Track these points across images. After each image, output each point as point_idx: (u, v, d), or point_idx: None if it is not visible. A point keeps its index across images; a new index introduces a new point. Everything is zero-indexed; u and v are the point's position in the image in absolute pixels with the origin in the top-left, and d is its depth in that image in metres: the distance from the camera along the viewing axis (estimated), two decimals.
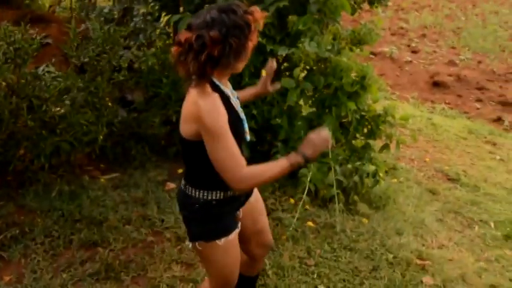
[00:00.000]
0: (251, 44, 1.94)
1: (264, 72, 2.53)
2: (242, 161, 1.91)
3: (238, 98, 2.16)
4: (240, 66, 2.00)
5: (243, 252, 2.46)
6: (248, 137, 2.14)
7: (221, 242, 2.11)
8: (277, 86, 2.62)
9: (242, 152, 1.96)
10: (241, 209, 2.29)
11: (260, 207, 2.45)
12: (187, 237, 2.21)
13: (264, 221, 2.49)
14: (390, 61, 11.20)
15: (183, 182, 2.17)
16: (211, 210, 2.11)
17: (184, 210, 2.20)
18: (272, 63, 2.54)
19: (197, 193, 2.09)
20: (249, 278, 2.66)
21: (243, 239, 2.34)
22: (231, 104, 2.02)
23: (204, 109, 1.87)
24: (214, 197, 2.09)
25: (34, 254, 3.12)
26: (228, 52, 1.86)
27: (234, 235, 2.16)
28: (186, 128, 1.97)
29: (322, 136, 2.02)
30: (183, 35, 1.87)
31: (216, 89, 1.96)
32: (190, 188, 2.11)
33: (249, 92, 2.60)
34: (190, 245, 2.19)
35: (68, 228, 3.40)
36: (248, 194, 2.32)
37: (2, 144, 3.43)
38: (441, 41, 13.54)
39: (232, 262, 2.22)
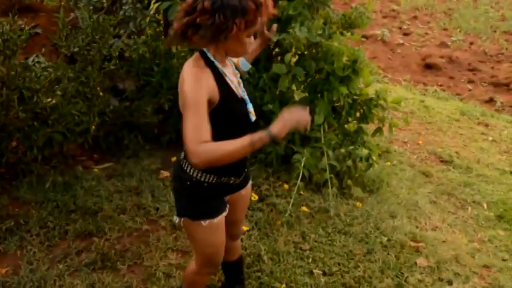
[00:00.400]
0: (239, 34, 1.88)
1: None
2: (203, 136, 1.80)
3: (241, 78, 2.14)
4: (231, 48, 1.97)
5: None
6: (253, 118, 2.11)
7: (206, 223, 2.13)
8: (274, 28, 2.55)
9: (246, 132, 1.87)
10: (229, 196, 2.30)
11: (245, 202, 2.47)
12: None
13: (242, 215, 2.53)
14: (382, 44, 11.19)
15: (182, 154, 2.17)
16: (200, 191, 2.12)
17: (175, 182, 2.22)
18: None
19: (192, 171, 2.10)
20: (230, 262, 2.70)
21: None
22: (225, 82, 2.00)
23: (186, 78, 1.89)
24: (206, 179, 2.11)
25: (30, 246, 3.12)
26: (209, 25, 1.83)
27: (220, 218, 2.19)
28: (180, 102, 1.95)
29: (295, 114, 1.92)
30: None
31: (210, 64, 1.96)
32: (186, 163, 2.11)
33: (252, 48, 2.45)
34: (177, 220, 2.21)
35: (63, 219, 3.40)
36: (242, 183, 2.33)
37: None
38: (433, 22, 13.53)
39: (216, 243, 2.24)
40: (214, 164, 1.83)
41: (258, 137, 1.84)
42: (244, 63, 2.33)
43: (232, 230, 2.47)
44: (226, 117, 1.99)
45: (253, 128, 2.01)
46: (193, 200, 2.14)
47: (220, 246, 2.28)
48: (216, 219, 2.16)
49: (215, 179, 2.12)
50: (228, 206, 2.26)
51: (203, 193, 2.13)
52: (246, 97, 2.10)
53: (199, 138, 1.79)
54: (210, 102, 1.90)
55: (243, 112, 2.08)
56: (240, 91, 2.08)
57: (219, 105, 1.94)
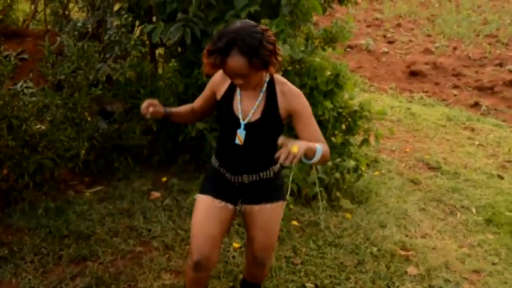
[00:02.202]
0: (207, 67, 2.13)
1: None
2: (194, 103, 2.55)
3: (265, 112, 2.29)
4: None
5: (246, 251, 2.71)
6: (237, 141, 2.30)
7: (197, 196, 2.49)
8: None
9: (230, 148, 2.34)
10: (243, 205, 2.47)
11: (260, 221, 2.46)
12: None
13: (259, 234, 2.50)
14: (367, 53, 11.31)
15: None
16: (208, 169, 2.56)
17: None
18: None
19: (214, 151, 2.55)
20: (246, 282, 2.85)
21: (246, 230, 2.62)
22: (232, 96, 2.33)
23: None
24: (212, 162, 2.50)
25: (25, 273, 3.13)
26: None
27: (204, 198, 2.44)
28: None
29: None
30: None
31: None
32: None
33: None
34: None
35: (57, 245, 3.42)
36: (250, 195, 2.44)
37: None
38: (416, 29, 13.69)
39: (196, 223, 2.41)
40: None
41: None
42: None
43: (250, 247, 2.59)
44: (219, 117, 2.41)
45: (238, 149, 2.31)
46: (205, 176, 2.61)
47: (197, 228, 2.40)
48: (201, 196, 2.46)
49: (217, 164, 2.45)
50: (240, 212, 2.49)
51: (209, 172, 2.55)
52: (242, 122, 2.28)
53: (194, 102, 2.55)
54: (215, 94, 2.39)
55: (230, 128, 2.31)
56: (239, 113, 2.28)
57: (217, 104, 2.40)
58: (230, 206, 2.43)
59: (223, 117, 2.35)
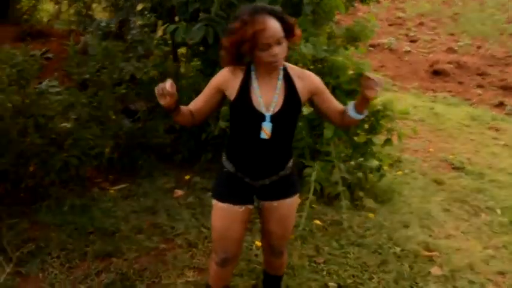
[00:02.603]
0: (229, 46, 2.17)
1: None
2: (191, 105, 2.33)
3: (286, 100, 2.27)
4: (257, 59, 2.19)
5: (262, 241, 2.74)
6: (263, 135, 2.24)
7: (214, 202, 2.41)
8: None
9: (255, 145, 2.26)
10: (261, 202, 2.46)
11: (279, 216, 2.49)
12: None
13: (277, 229, 2.55)
14: (389, 52, 11.24)
15: None
16: (222, 174, 2.42)
17: None
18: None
19: (224, 156, 2.42)
20: (267, 275, 2.89)
21: (261, 231, 2.66)
22: (248, 89, 2.24)
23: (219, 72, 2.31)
24: (226, 166, 2.39)
25: (51, 268, 3.19)
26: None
27: (225, 206, 2.38)
28: None
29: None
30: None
31: (247, 71, 2.27)
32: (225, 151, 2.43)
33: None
34: None
35: (82, 241, 3.47)
36: (269, 192, 2.43)
37: (12, 163, 3.51)
38: (439, 28, 13.55)
39: (217, 228, 2.43)
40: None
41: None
42: (352, 111, 2.27)
43: (266, 239, 2.63)
44: (236, 116, 2.30)
45: (264, 144, 2.25)
46: (217, 180, 2.48)
47: (221, 233, 2.43)
48: (220, 204, 2.39)
49: (233, 169, 2.36)
50: (258, 207, 2.48)
51: (222, 176, 2.41)
52: (267, 114, 2.22)
53: (191, 105, 2.34)
54: (224, 93, 2.29)
55: (253, 123, 2.23)
56: (262, 105, 2.22)
57: (232, 103, 2.25)
58: (250, 207, 2.44)
59: (243, 114, 2.25)
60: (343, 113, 2.29)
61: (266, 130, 2.22)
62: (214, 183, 2.49)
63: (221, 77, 2.27)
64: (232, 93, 2.24)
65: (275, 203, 2.45)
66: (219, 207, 2.39)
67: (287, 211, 2.50)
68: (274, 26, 2.06)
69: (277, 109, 2.23)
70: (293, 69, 2.31)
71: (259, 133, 2.23)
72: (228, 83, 2.25)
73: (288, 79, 2.26)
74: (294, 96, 2.26)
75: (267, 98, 2.23)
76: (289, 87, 2.26)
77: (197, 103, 2.33)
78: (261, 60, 2.13)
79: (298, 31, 2.18)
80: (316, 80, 2.32)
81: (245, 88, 2.23)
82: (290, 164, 2.43)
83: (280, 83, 2.25)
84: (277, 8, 2.14)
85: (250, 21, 2.04)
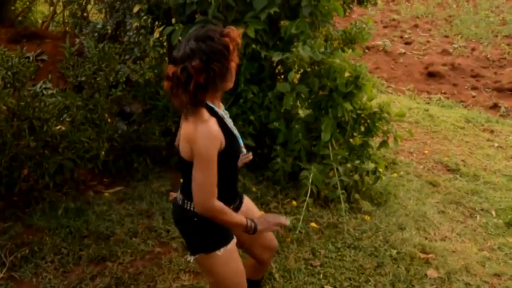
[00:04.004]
0: (233, 64, 2.03)
1: None
2: (215, 192, 2.05)
3: (229, 117, 2.23)
4: (229, 85, 2.10)
5: (250, 257, 2.59)
6: (244, 150, 2.26)
7: (221, 252, 2.20)
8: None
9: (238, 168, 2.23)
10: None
11: (253, 209, 2.52)
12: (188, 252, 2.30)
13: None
14: (384, 54, 11.24)
15: (179, 196, 2.26)
16: (208, 223, 2.16)
17: (182, 225, 2.29)
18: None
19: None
20: (254, 281, 2.72)
21: (244, 246, 2.48)
22: (226, 124, 2.12)
23: (201, 135, 1.98)
24: None
25: (45, 273, 3.17)
26: (213, 77, 1.95)
27: (232, 244, 2.25)
28: (184, 148, 2.08)
29: (276, 220, 2.28)
30: (170, 70, 1.98)
31: (212, 112, 2.06)
32: (188, 202, 2.19)
33: None
34: (192, 259, 2.27)
35: (77, 245, 3.46)
36: (238, 203, 2.40)
37: (6, 166, 3.48)
38: (434, 30, 13.58)
39: (234, 273, 2.29)
40: (213, 219, 2.12)
41: (250, 224, 2.17)
42: None
43: (265, 243, 2.55)
44: (229, 158, 2.14)
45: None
46: (204, 234, 2.21)
47: (241, 274, 2.32)
48: (229, 246, 2.23)
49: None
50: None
51: (211, 224, 2.16)
52: (237, 133, 2.22)
53: (213, 194, 2.05)
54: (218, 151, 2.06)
55: (237, 147, 2.20)
56: (233, 129, 2.19)
57: (225, 149, 2.07)
58: None
59: (236, 149, 2.18)
60: None
61: (243, 146, 2.25)
62: (201, 238, 2.23)
63: (214, 138, 2.02)
64: (222, 142, 2.06)
65: (243, 208, 2.43)
66: (229, 251, 2.23)
67: (251, 204, 2.55)
68: None
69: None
70: None
71: (239, 153, 2.24)
72: (221, 138, 2.05)
73: None
74: None
75: (229, 120, 2.20)
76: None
77: (216, 182, 2.07)
78: (229, 85, 2.10)
79: None
80: None
81: (226, 127, 2.12)
82: None
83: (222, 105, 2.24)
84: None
85: (230, 32, 2.01)
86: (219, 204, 2.07)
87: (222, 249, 2.20)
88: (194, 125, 1.99)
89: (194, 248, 2.25)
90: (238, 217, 2.15)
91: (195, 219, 2.18)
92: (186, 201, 2.20)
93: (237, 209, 2.36)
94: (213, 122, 2.02)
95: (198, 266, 3.27)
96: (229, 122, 2.17)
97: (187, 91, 1.94)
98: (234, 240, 2.28)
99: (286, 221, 2.32)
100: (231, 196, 2.29)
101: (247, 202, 2.50)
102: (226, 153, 2.08)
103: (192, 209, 2.17)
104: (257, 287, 2.85)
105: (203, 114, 2.00)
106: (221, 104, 2.20)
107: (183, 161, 2.11)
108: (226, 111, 2.21)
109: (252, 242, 2.50)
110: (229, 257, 2.24)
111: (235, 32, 2.02)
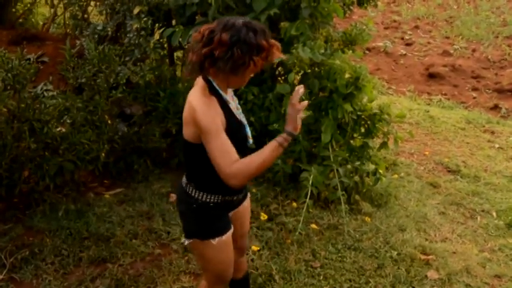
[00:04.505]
0: (252, 67, 1.98)
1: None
2: (234, 156, 1.96)
3: (239, 103, 2.24)
4: (236, 82, 2.08)
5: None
6: (250, 141, 2.22)
7: (215, 241, 2.22)
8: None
9: (244, 155, 2.02)
10: (233, 211, 2.38)
11: (248, 214, 2.54)
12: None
13: (248, 225, 2.59)
14: (385, 55, 11.24)
15: (184, 179, 2.27)
16: (208, 211, 2.21)
17: (182, 206, 2.30)
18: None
19: (197, 193, 2.19)
20: (238, 280, 2.69)
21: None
22: (229, 109, 2.10)
23: (199, 110, 1.98)
24: (212, 200, 2.20)
25: (45, 274, 3.17)
26: (227, 59, 1.92)
27: (227, 235, 2.28)
28: (186, 130, 2.08)
29: (295, 107, 2.03)
30: (206, 26, 1.99)
31: (214, 92, 2.05)
32: (190, 187, 2.21)
33: None
34: (186, 242, 2.28)
35: (77, 246, 3.45)
36: (242, 198, 2.40)
37: (6, 168, 3.48)
38: (434, 31, 13.57)
39: (226, 260, 2.32)
40: (253, 176, 2.00)
41: (282, 138, 2.00)
42: None
43: (241, 244, 2.55)
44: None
45: (249, 151, 2.11)
46: (202, 221, 2.23)
47: (230, 262, 2.35)
48: (224, 236, 2.25)
49: (220, 198, 2.22)
50: (232, 222, 2.35)
51: (210, 213, 2.21)
52: (245, 121, 2.21)
53: (230, 161, 1.95)
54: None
55: (243, 136, 2.18)
56: (240, 116, 2.18)
57: (225, 131, 2.02)
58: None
59: (238, 135, 2.13)
60: None
61: (250, 136, 2.22)
62: (198, 224, 2.24)
63: (215, 113, 2.00)
64: (223, 121, 2.03)
65: (245, 203, 2.45)
66: (223, 242, 2.24)
67: (250, 205, 2.54)
68: None
69: (241, 113, 2.22)
70: None
71: (246, 142, 2.20)
72: (220, 114, 2.03)
73: None
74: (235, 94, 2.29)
75: (235, 106, 2.18)
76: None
77: (233, 149, 2.00)
78: (237, 82, 2.10)
79: None
80: None
81: (228, 111, 2.09)
82: None
83: (231, 91, 2.24)
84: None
85: (276, 43, 2.01)
86: (241, 162, 1.95)
87: (217, 239, 2.22)
88: (192, 102, 2.00)
89: (190, 232, 2.27)
90: (268, 147, 2.00)
91: (194, 206, 2.20)
92: (189, 186, 2.22)
93: (239, 203, 2.38)
94: (212, 100, 2.02)
95: (198, 267, 3.30)
96: (235, 108, 2.16)
97: (200, 51, 1.94)
98: (231, 230, 2.30)
99: (299, 93, 2.05)
100: (229, 188, 2.14)
101: (246, 205, 2.48)
102: (229, 130, 2.04)
103: (194, 194, 2.19)
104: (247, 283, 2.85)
105: (204, 90, 2.03)
106: (229, 90, 2.19)
107: (186, 143, 2.11)
108: (235, 98, 2.22)
109: (235, 239, 2.46)
110: (223, 246, 2.26)
111: (276, 48, 2.02)
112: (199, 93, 2.03)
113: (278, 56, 2.03)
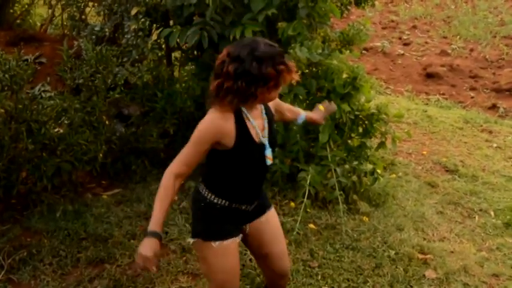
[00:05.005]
0: (266, 95, 2.06)
1: (321, 107, 2.83)
2: (181, 170, 2.10)
3: (269, 122, 2.26)
4: (260, 99, 2.11)
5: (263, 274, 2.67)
6: (269, 162, 2.23)
7: (215, 244, 2.24)
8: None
9: (260, 174, 2.27)
10: (248, 225, 2.39)
11: (271, 230, 2.48)
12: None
13: (277, 248, 2.50)
14: (383, 55, 11.23)
15: (200, 178, 2.34)
16: (213, 212, 2.27)
17: (193, 204, 2.37)
18: (332, 106, 2.89)
19: (206, 193, 2.27)
20: None
21: (254, 258, 2.62)
22: (245, 127, 2.13)
23: (204, 120, 2.09)
24: (219, 203, 2.26)
25: (43, 275, 3.17)
26: (234, 91, 1.98)
27: (230, 242, 2.27)
28: None
29: (141, 260, 2.01)
30: (223, 53, 2.04)
31: (237, 112, 2.11)
32: (203, 186, 2.28)
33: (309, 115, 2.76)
34: (191, 241, 2.32)
35: (75, 247, 3.46)
36: (258, 211, 2.40)
37: (4, 169, 3.48)
38: (432, 31, 13.57)
39: (226, 269, 2.31)
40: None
41: (147, 233, 2.07)
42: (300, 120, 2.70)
43: (273, 266, 2.52)
44: (239, 160, 2.17)
45: (265, 169, 2.26)
46: (207, 221, 2.27)
47: (231, 273, 2.33)
48: (226, 242, 2.25)
49: (226, 203, 2.26)
50: (244, 234, 2.39)
51: (216, 214, 2.26)
52: (266, 142, 2.21)
53: (176, 168, 2.10)
54: (220, 143, 2.09)
55: (258, 157, 2.20)
56: (261, 136, 2.19)
57: (233, 149, 2.11)
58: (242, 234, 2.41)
59: (247, 153, 2.16)
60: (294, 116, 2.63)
61: (269, 156, 2.22)
62: (203, 224, 2.29)
63: (213, 129, 2.07)
64: (230, 140, 2.09)
65: (263, 218, 2.43)
66: (224, 247, 2.24)
67: (275, 223, 2.50)
68: None
69: (267, 132, 2.23)
70: None
71: (264, 162, 2.22)
72: (223, 131, 2.07)
73: None
74: (270, 114, 2.30)
75: (260, 125, 2.21)
76: (267, 108, 2.29)
77: (192, 164, 2.11)
78: (270, 98, 2.14)
79: None
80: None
81: (242, 128, 2.12)
82: None
83: (262, 107, 2.26)
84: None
85: (287, 68, 2.02)
86: (172, 183, 2.07)
87: (217, 243, 2.23)
88: (208, 112, 2.11)
89: (194, 231, 2.32)
90: (157, 215, 2.07)
91: (202, 204, 2.26)
92: (201, 184, 2.30)
93: (252, 215, 2.38)
94: (226, 116, 2.07)
95: (196, 268, 3.30)
96: (256, 127, 2.17)
97: (214, 83, 2.04)
98: (235, 239, 2.30)
99: (152, 268, 2.04)
100: (240, 197, 2.28)
101: (264, 221, 2.45)
102: (235, 154, 2.13)
103: (203, 193, 2.26)
104: None
105: (218, 107, 2.07)
106: (260, 107, 2.23)
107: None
108: (265, 116, 2.24)
109: (257, 257, 2.56)
110: (223, 253, 2.26)
111: (290, 73, 2.04)
112: (218, 106, 2.08)
113: (291, 79, 2.07)
